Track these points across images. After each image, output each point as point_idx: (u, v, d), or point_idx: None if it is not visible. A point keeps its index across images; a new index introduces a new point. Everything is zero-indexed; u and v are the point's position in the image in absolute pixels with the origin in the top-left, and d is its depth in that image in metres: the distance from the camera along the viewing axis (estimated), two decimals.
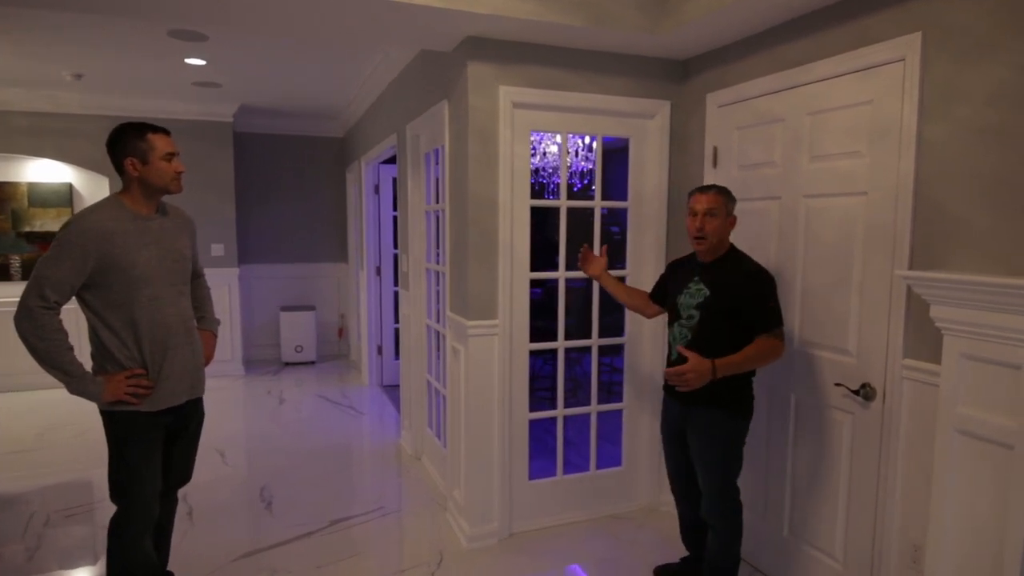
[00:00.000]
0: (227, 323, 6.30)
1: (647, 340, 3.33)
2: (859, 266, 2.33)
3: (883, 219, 2.23)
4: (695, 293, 2.37)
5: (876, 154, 2.25)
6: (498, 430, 3.05)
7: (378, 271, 5.93)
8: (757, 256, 2.74)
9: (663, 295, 2.64)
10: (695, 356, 2.22)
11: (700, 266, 2.43)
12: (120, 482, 2.14)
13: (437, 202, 3.78)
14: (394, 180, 5.85)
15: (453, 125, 3.11)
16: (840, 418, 2.42)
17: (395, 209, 5.92)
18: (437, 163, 3.69)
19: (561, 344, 3.22)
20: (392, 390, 5.86)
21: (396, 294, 5.98)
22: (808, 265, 2.54)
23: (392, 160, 5.66)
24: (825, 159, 2.46)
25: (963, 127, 1.97)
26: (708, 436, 2.36)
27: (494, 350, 3.00)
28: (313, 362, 6.92)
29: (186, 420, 2.36)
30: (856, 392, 2.32)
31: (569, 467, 3.33)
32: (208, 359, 2.47)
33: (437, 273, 3.83)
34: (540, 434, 3.68)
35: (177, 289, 2.25)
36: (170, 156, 2.21)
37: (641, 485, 3.41)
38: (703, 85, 3.08)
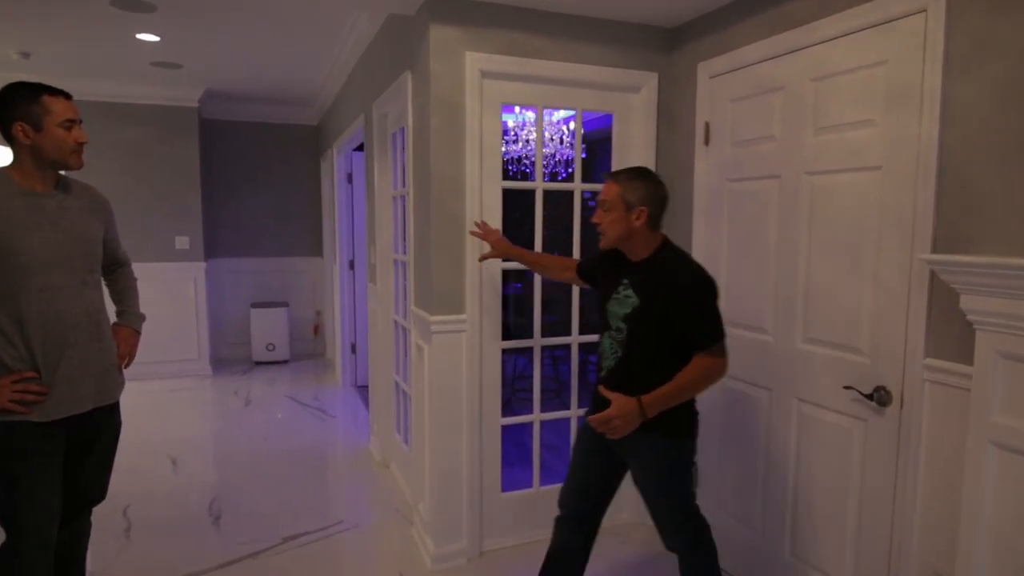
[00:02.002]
0: (193, 320, 5.97)
1: None
2: (872, 252, 2.03)
3: (900, 197, 1.93)
4: (623, 300, 1.96)
5: (892, 123, 1.95)
6: (467, 437, 2.74)
7: (351, 265, 5.60)
8: (755, 244, 2.45)
9: (593, 279, 2.24)
10: (619, 398, 1.87)
11: (628, 265, 2.00)
12: (7, 507, 1.82)
13: (404, 186, 3.46)
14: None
15: (416, 98, 2.79)
16: (850, 425, 2.12)
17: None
18: (404, 144, 3.37)
19: (537, 342, 2.91)
20: (366, 391, 5.53)
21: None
22: (813, 252, 2.24)
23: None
24: (832, 130, 2.16)
25: (997, 88, 1.67)
26: (648, 465, 2.00)
27: (461, 348, 2.69)
28: (286, 361, 6.59)
29: (95, 431, 2.03)
30: (869, 396, 2.02)
31: (548, 475, 3.03)
32: (125, 358, 2.15)
33: (404, 264, 3.52)
34: (520, 438, 3.38)
35: (80, 279, 1.93)
36: (70, 124, 1.89)
37: (624, 496, 3.10)
38: (694, 54, 2.77)
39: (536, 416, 2.93)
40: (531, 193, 2.87)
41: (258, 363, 6.51)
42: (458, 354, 2.68)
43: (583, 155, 5.77)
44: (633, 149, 2.94)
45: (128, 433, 4.41)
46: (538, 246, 2.86)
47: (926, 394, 1.88)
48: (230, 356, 6.66)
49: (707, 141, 2.71)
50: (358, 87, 4.27)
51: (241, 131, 6.51)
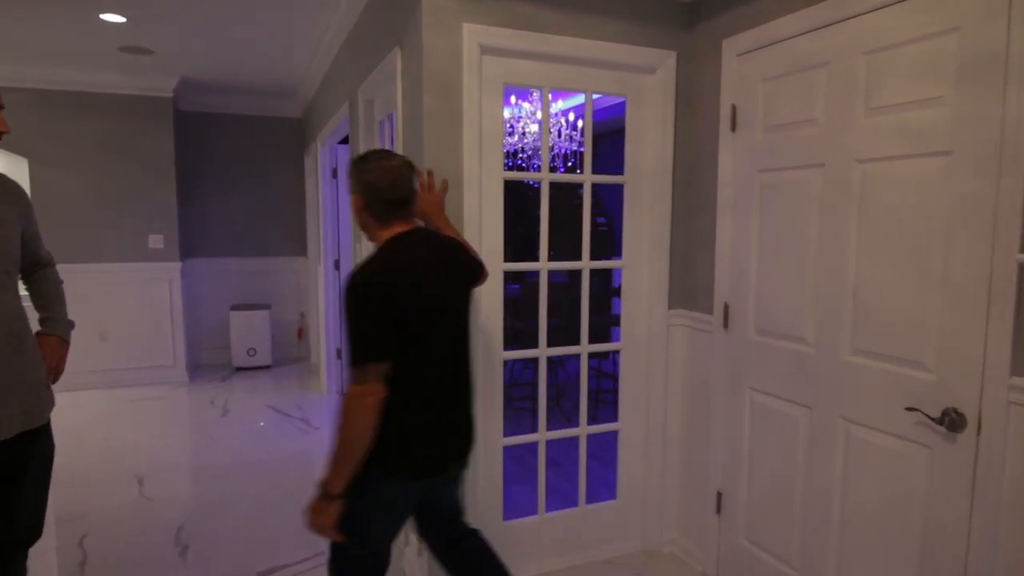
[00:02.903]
0: (168, 324, 5.61)
1: (645, 346, 2.72)
2: (940, 251, 1.74)
3: (977, 187, 1.64)
4: None
5: (966, 100, 1.66)
6: None
7: (337, 265, 5.27)
8: (793, 242, 2.16)
9: None
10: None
11: None
12: None
13: None
14: None
15: (407, 77, 2.47)
16: (911, 452, 1.83)
17: None
18: (393, 131, 3.05)
19: (543, 352, 2.60)
20: None
21: None
22: (864, 251, 1.95)
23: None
24: (888, 111, 1.87)
25: None
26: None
27: None
28: (268, 366, 6.24)
29: (22, 458, 1.70)
30: (937, 420, 1.74)
31: (553, 498, 2.73)
32: (53, 372, 1.83)
33: None
34: (518, 453, 3.07)
35: None
36: None
37: (639, 522, 2.81)
38: (717, 30, 2.48)
39: (541, 435, 2.62)
40: (523, 189, 2.56)
41: (239, 369, 6.16)
42: None
43: (582, 149, 5.50)
44: (648, 137, 2.64)
45: (92, 447, 4.04)
46: (544, 245, 2.55)
47: (1010, 419, 1.59)
48: (208, 362, 6.31)
49: (734, 127, 2.41)
50: (342, 73, 3.95)
51: (220, 124, 6.16)
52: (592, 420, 2.73)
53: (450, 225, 2.16)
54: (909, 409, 1.81)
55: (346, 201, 5.16)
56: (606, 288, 6.58)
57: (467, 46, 2.26)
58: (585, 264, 2.64)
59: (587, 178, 2.60)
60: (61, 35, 4.20)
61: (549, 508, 2.67)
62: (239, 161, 6.23)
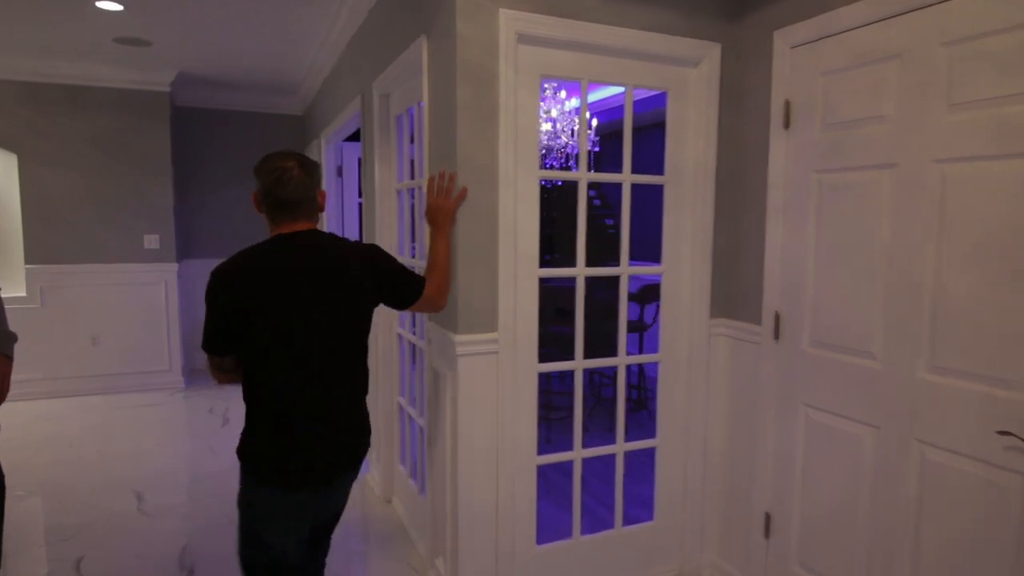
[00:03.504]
0: (163, 328, 5.39)
1: (685, 358, 2.56)
2: None
3: None
4: None
5: None
6: (499, 481, 2.25)
7: None
8: (857, 249, 2.02)
9: None
10: None
11: None
12: None
13: (412, 177, 2.97)
14: (359, 160, 5.01)
15: (435, 68, 2.29)
16: (1005, 481, 1.67)
17: (360, 195, 5.08)
18: (412, 127, 2.87)
19: (580, 364, 2.42)
20: None
21: None
22: (945, 260, 1.79)
23: (357, 136, 4.81)
24: (976, 107, 1.70)
25: None
26: None
27: (493, 374, 2.20)
28: None
29: None
30: None
31: (590, 521, 2.55)
32: None
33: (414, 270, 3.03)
34: (547, 469, 2.89)
35: None
36: None
37: (676, 544, 2.65)
38: (768, 21, 2.31)
39: (577, 453, 2.45)
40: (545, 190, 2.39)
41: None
42: (489, 381, 2.19)
43: (597, 148, 5.34)
44: (689, 135, 2.47)
45: (87, 458, 3.81)
46: (580, 248, 2.38)
47: None
48: (204, 367, 6.07)
49: (787, 123, 2.25)
50: (352, 66, 3.75)
51: (218, 120, 5.94)
52: (635, 436, 2.56)
53: (442, 243, 2.03)
54: (1002, 433, 1.65)
55: (352, 201, 4.97)
56: (613, 293, 6.41)
57: (504, 34, 2.08)
58: (623, 270, 2.47)
59: (626, 178, 2.43)
60: (54, 25, 3.99)
61: (586, 531, 2.50)
62: (238, 159, 6.01)
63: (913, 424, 1.88)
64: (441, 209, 2.08)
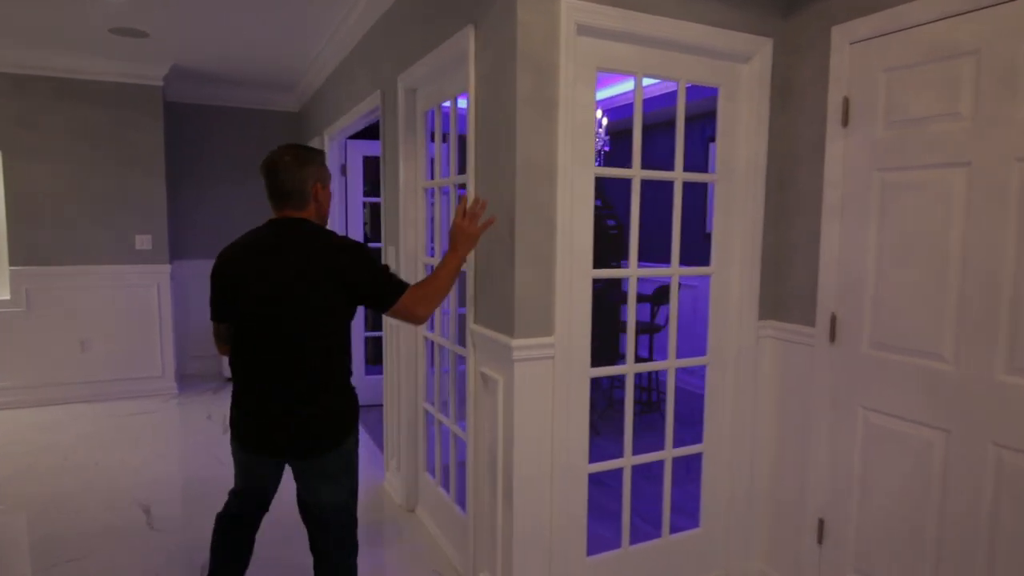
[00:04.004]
0: (156, 331, 5.18)
1: (732, 361, 2.50)
2: None
3: None
4: None
5: None
6: (552, 491, 2.16)
7: None
8: (926, 249, 1.96)
9: None
10: None
11: None
12: None
13: (445, 176, 2.86)
14: (364, 158, 4.88)
15: (485, 59, 2.19)
16: None
17: (365, 193, 4.95)
18: (445, 124, 2.77)
19: (631, 368, 2.35)
20: (363, 412, 4.86)
21: None
22: None
23: (362, 134, 4.68)
24: None
25: None
26: None
27: (549, 379, 2.11)
28: None
29: None
30: None
31: (639, 530, 2.47)
32: None
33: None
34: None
35: None
36: None
37: (722, 551, 2.58)
38: (825, 16, 2.26)
39: (627, 460, 2.37)
40: None
41: (229, 379, 5.73)
42: (545, 387, 2.10)
43: (606, 148, 5.27)
44: (740, 132, 2.42)
45: (84, 472, 3.66)
46: (632, 248, 2.30)
47: None
48: (196, 371, 5.87)
49: (845, 121, 2.20)
50: (368, 61, 3.63)
51: (210, 116, 5.74)
52: (683, 441, 2.48)
53: (453, 262, 1.95)
54: None
55: (356, 199, 4.84)
56: (616, 293, 6.37)
57: (565, 23, 2.00)
58: (674, 271, 2.40)
59: (678, 175, 2.36)
60: (44, 14, 3.78)
61: (635, 541, 2.41)
62: (231, 157, 5.81)
63: (990, 427, 1.84)
64: (465, 232, 1.98)
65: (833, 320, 2.28)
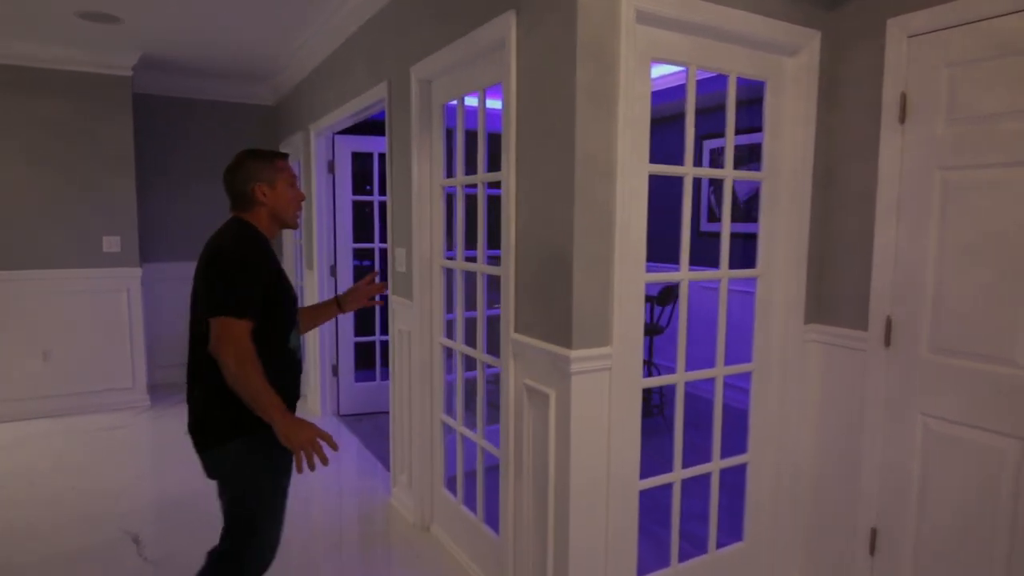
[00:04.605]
0: (126, 339, 4.84)
1: (778, 366, 2.40)
2: None
3: None
4: (291, 287, 1.98)
5: None
6: (609, 512, 2.01)
7: (333, 271, 4.69)
8: (996, 250, 1.92)
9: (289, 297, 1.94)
10: None
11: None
12: None
13: (465, 174, 2.68)
14: (353, 155, 4.64)
15: (529, 47, 2.03)
16: None
17: (355, 192, 4.71)
18: (475, 118, 2.59)
19: (681, 378, 2.22)
20: (354, 422, 4.64)
21: None
22: None
23: (352, 130, 4.45)
24: None
25: None
26: None
27: (604, 392, 1.96)
28: None
29: None
30: None
31: (689, 547, 2.35)
32: None
33: (468, 274, 2.75)
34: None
35: None
36: None
37: (767, 564, 2.49)
38: (879, 9, 2.18)
39: (677, 475, 2.24)
40: None
41: None
42: (601, 400, 1.96)
43: None
44: (786, 129, 2.32)
45: (60, 497, 3.41)
46: (684, 248, 2.18)
47: None
48: (168, 381, 5.50)
49: (903, 118, 2.12)
50: (371, 50, 3.42)
51: (181, 110, 5.40)
52: (730, 452, 2.37)
53: (263, 402, 1.69)
54: None
55: (345, 198, 4.61)
56: None
57: (625, 10, 1.85)
58: (724, 274, 2.28)
59: (728, 173, 2.24)
60: None
61: (684, 558, 2.30)
62: (203, 152, 5.47)
63: None
64: (291, 438, 1.68)
65: (888, 323, 2.20)
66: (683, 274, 2.18)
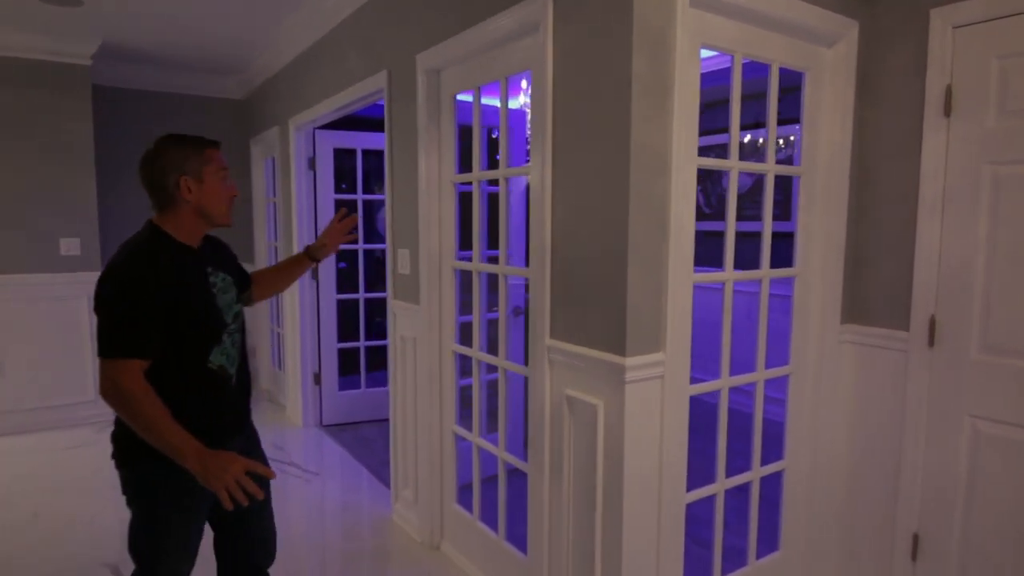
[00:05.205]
0: (85, 349, 4.49)
1: (814, 369, 2.32)
2: None
3: None
4: (228, 287, 1.74)
5: None
6: (660, 529, 1.88)
7: (314, 273, 4.44)
8: None
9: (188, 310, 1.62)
10: None
11: (197, 251, 1.69)
12: None
13: (482, 168, 2.52)
14: (336, 151, 4.41)
15: (568, 32, 1.88)
16: None
17: (338, 190, 4.48)
18: (487, 117, 2.43)
19: (726, 383, 2.11)
20: (339, 432, 4.41)
21: (339, 303, 4.53)
22: None
23: (333, 125, 4.22)
24: None
25: None
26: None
27: (657, 402, 1.83)
28: None
29: None
30: None
31: (732, 560, 2.24)
32: None
33: (487, 276, 2.60)
34: None
35: None
36: None
37: (805, 572, 2.40)
38: None
39: (720, 485, 2.13)
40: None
41: None
42: (653, 410, 1.82)
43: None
44: (823, 123, 2.23)
45: (23, 530, 3.13)
46: (728, 248, 2.07)
47: None
48: None
49: (948, 111, 2.06)
50: (366, 37, 3.21)
51: (144, 103, 5.05)
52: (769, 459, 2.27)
53: (167, 439, 1.47)
54: None
55: (327, 196, 4.38)
56: None
57: None
58: (764, 273, 2.18)
59: (771, 168, 2.14)
60: None
61: (727, 572, 2.19)
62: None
63: None
64: (215, 477, 1.45)
65: (932, 323, 2.13)
66: (728, 274, 2.07)
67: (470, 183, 2.59)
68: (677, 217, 1.80)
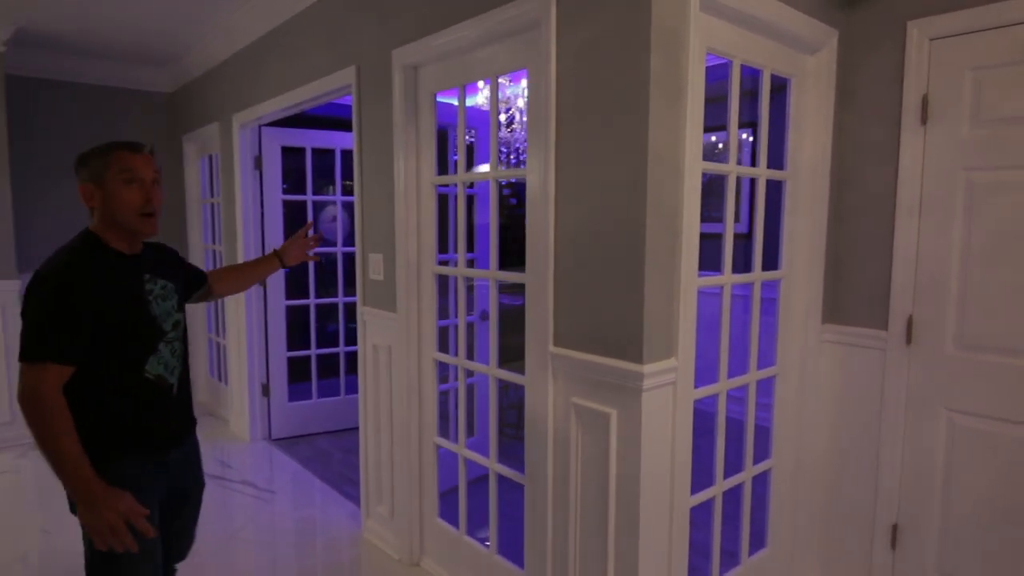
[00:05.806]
0: (2, 367, 4.05)
1: (798, 369, 2.37)
2: None
3: None
4: (169, 294, 1.71)
5: None
6: (669, 536, 1.87)
7: (262, 280, 4.20)
8: (1013, 254, 1.94)
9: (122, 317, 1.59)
10: None
11: (134, 258, 1.66)
12: None
13: (459, 171, 2.43)
14: (284, 149, 4.18)
15: (575, 30, 1.83)
16: None
17: (292, 191, 4.26)
18: (488, 115, 2.34)
19: (724, 386, 2.12)
20: (291, 446, 4.19)
21: (288, 310, 4.31)
22: None
23: (284, 122, 4.01)
24: None
25: None
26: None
27: (669, 408, 1.81)
28: None
29: None
30: None
31: (728, 564, 2.25)
32: None
33: (482, 283, 2.50)
34: None
35: None
36: None
37: (787, 567, 2.46)
38: (898, 11, 2.19)
39: (719, 487, 2.14)
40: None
41: None
42: (665, 417, 1.81)
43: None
44: (807, 128, 2.29)
45: None
46: (727, 252, 2.08)
47: None
48: None
49: (924, 119, 2.15)
50: (332, 30, 3.05)
51: (63, 96, 4.64)
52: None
53: (66, 470, 1.45)
54: None
55: (274, 198, 4.16)
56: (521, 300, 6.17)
57: None
58: (757, 276, 2.21)
59: (762, 172, 2.17)
60: None
61: (724, 571, 2.20)
62: (84, 145, 4.72)
63: None
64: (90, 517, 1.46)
65: (910, 322, 2.22)
66: (726, 277, 2.08)
67: (447, 185, 2.50)
68: (689, 221, 1.79)
